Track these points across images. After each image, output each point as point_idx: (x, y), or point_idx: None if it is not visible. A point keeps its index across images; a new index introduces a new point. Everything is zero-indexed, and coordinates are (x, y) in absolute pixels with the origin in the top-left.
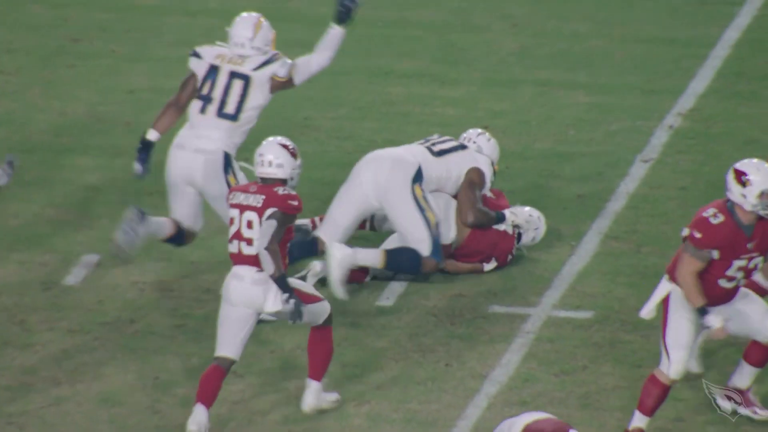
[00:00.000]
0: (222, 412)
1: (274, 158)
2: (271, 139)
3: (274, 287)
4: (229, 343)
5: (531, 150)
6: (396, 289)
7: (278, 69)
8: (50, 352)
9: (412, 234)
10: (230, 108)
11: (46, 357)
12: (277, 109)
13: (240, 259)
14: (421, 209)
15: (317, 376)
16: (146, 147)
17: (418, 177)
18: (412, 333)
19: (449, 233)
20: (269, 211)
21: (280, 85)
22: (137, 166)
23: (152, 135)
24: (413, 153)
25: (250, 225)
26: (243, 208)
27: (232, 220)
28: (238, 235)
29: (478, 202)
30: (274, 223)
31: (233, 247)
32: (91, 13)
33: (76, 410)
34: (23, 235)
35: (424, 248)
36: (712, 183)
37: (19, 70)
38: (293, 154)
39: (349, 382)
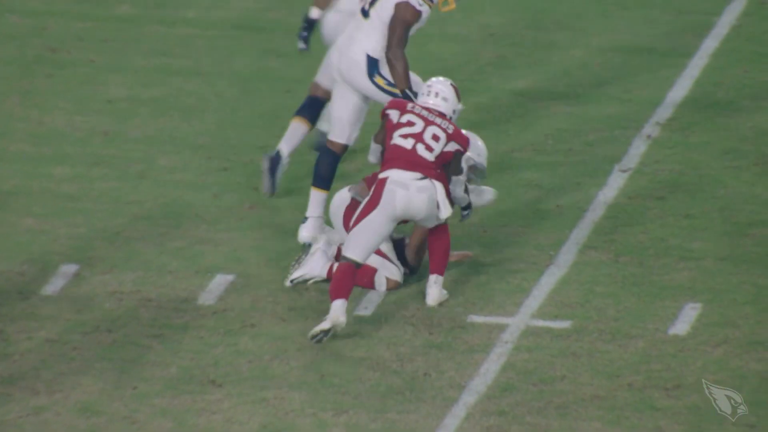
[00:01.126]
0: (200, 421)
1: (440, 91)
2: (440, 77)
3: (441, 195)
4: (362, 247)
5: (509, 160)
6: (374, 298)
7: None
8: (28, 362)
9: (337, 121)
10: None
11: (24, 367)
12: (254, 118)
13: (407, 155)
14: (392, 94)
15: (440, 270)
16: (309, 25)
17: (371, 68)
18: (390, 342)
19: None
20: (452, 147)
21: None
22: (300, 44)
23: (314, 13)
24: (354, 41)
25: (435, 138)
26: (429, 122)
27: (410, 123)
28: (418, 137)
29: (402, 42)
30: (462, 179)
31: (406, 143)
32: (69, 23)
33: (54, 420)
34: (0, 245)
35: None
36: (691, 193)
37: None
38: (458, 95)
39: (327, 392)
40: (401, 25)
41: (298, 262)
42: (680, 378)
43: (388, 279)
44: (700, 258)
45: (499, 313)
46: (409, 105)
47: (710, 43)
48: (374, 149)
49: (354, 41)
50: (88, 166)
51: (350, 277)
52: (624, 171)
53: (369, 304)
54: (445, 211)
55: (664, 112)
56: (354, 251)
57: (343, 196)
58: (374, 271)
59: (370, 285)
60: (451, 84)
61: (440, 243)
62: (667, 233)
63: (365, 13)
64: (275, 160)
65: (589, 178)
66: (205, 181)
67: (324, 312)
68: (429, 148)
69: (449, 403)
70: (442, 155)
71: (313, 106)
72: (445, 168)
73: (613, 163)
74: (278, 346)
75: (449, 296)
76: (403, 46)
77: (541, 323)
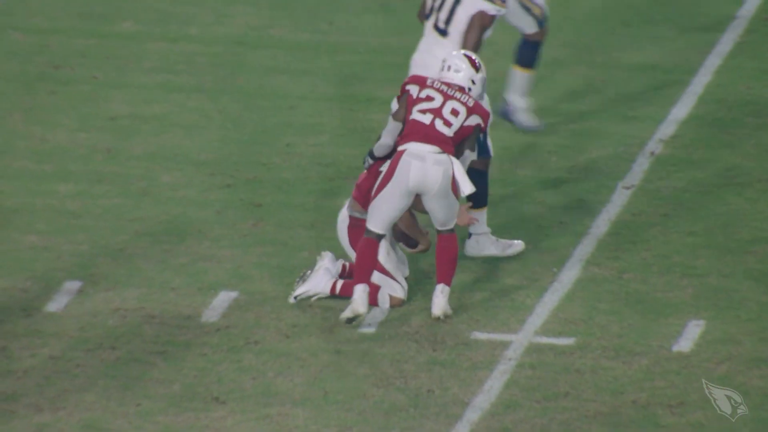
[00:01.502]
0: None
1: (453, 64)
2: (456, 51)
3: (459, 172)
4: (381, 220)
5: (513, 177)
6: (377, 315)
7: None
8: (32, 379)
9: None
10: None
11: (28, 384)
12: (257, 134)
13: (426, 130)
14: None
15: (446, 280)
16: None
17: None
18: (394, 359)
19: None
20: (473, 121)
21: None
22: None
23: None
24: (438, 57)
25: (455, 113)
26: (449, 97)
27: (429, 98)
28: (437, 112)
29: (478, 47)
30: (472, 156)
31: (425, 118)
32: (71, 40)
33: None
34: (4, 262)
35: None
36: (694, 210)
37: (0, 96)
38: (474, 65)
39: (331, 409)
40: (478, 31)
41: (303, 278)
42: (684, 395)
43: (391, 296)
44: (704, 275)
45: (503, 330)
46: (429, 80)
47: (714, 61)
48: (392, 128)
49: (437, 58)
50: (90, 183)
51: (373, 254)
52: (627, 188)
53: (373, 321)
54: (466, 188)
55: (667, 129)
56: (374, 224)
57: (343, 215)
58: (378, 288)
59: (374, 302)
60: (465, 54)
61: (448, 252)
62: (670, 250)
63: (443, 32)
64: (505, 110)
65: (592, 195)
66: (208, 198)
67: (328, 330)
68: (447, 123)
69: (453, 420)
70: (462, 130)
71: (526, 47)
72: (460, 144)
73: (616, 180)
74: (282, 362)
75: (453, 313)
76: (478, 50)
77: (544, 340)
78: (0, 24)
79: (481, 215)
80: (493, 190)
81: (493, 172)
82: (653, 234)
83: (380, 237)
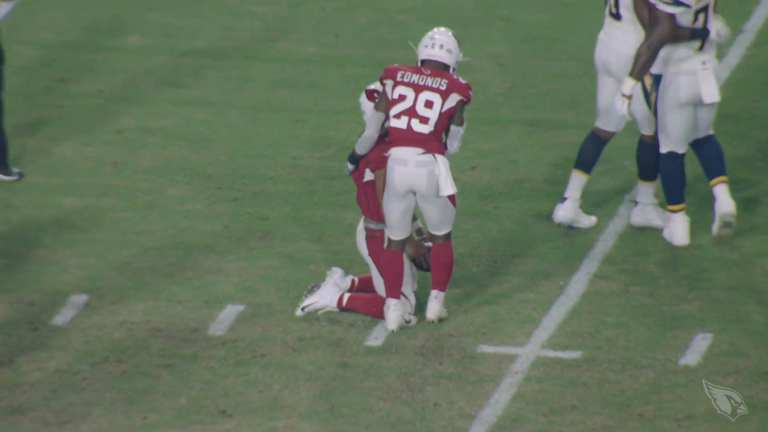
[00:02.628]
0: None
1: (445, 43)
2: (442, 28)
3: (443, 171)
4: (391, 227)
5: (519, 189)
6: (384, 329)
7: None
8: (38, 393)
9: (637, 115)
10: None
11: (35, 397)
12: (264, 148)
13: (405, 134)
14: (646, 94)
15: (441, 286)
16: None
17: None
18: (401, 373)
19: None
20: (453, 100)
21: None
22: None
23: None
24: (619, 40)
25: (429, 105)
26: (420, 88)
27: (402, 97)
28: (410, 112)
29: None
30: (462, 130)
31: (401, 123)
32: (78, 54)
33: None
34: (11, 275)
35: (647, 127)
36: (700, 223)
37: (7, 110)
38: (459, 45)
39: (338, 422)
40: (645, 3)
41: (311, 291)
42: (691, 408)
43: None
44: (710, 288)
45: (510, 344)
46: (399, 73)
47: (720, 74)
48: (376, 118)
49: (619, 41)
50: (97, 197)
51: (397, 266)
52: (633, 201)
53: (379, 334)
54: (446, 189)
55: None
56: (389, 231)
57: (360, 227)
58: (383, 301)
59: (381, 315)
60: (453, 34)
61: (443, 259)
62: (677, 263)
63: (616, 16)
64: None
65: (598, 209)
66: (215, 212)
67: (334, 343)
68: (424, 120)
69: None
70: (443, 115)
71: None
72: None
73: (622, 193)
74: (288, 375)
75: (458, 328)
76: (663, 37)
77: (551, 353)
78: (7, 38)
79: (649, 187)
80: (499, 203)
81: (498, 184)
82: (660, 247)
83: (402, 243)
